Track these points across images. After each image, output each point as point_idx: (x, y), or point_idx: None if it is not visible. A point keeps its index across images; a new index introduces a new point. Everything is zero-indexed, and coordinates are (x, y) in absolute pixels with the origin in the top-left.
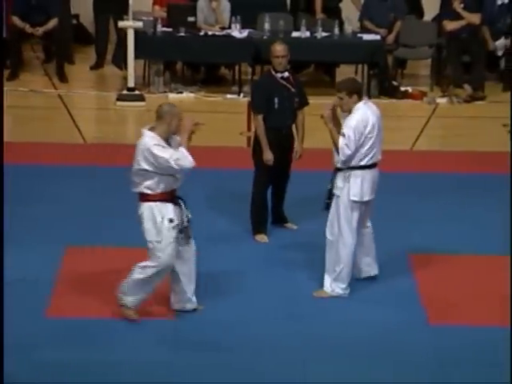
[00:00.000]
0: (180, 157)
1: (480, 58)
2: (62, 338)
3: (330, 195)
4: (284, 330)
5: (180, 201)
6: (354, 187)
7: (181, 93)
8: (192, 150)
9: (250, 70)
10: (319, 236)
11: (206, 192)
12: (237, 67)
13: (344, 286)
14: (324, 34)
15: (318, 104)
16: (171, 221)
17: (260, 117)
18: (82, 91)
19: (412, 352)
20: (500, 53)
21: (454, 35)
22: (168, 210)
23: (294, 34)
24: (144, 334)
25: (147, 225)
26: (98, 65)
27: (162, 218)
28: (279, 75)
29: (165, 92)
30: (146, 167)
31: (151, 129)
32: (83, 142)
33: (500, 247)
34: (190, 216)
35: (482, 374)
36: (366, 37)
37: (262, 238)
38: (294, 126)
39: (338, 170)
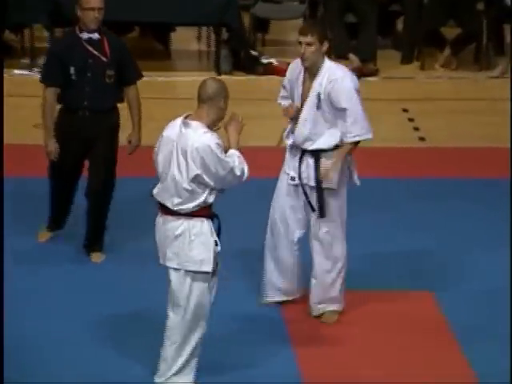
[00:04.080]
0: (243, 164)
1: (370, 18)
2: None
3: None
4: None
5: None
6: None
7: None
8: None
9: (46, 34)
10: None
11: None
12: (27, 31)
13: None
14: None
15: (148, 83)
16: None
17: (50, 90)
18: None
19: None
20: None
21: None
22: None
23: None
24: None
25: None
26: None
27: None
28: (85, 36)
29: None
30: (199, 172)
31: (193, 118)
32: None
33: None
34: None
35: None
36: None
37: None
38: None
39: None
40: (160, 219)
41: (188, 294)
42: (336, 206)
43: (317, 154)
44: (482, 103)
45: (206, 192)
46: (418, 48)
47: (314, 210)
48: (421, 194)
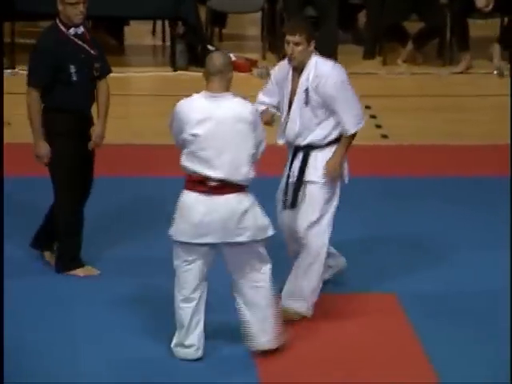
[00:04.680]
0: None
1: (330, 12)
2: None
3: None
4: None
5: None
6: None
7: None
8: None
9: None
10: None
11: None
12: None
13: None
14: None
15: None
16: None
17: (36, 92)
18: None
19: None
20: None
21: None
22: None
23: None
24: None
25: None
26: None
27: None
28: (72, 31)
29: None
30: (256, 137)
31: (209, 92)
32: None
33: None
34: None
35: None
36: None
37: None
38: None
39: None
40: (218, 200)
41: (262, 261)
42: (321, 199)
43: (309, 149)
44: (445, 99)
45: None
46: (380, 43)
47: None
48: (383, 192)
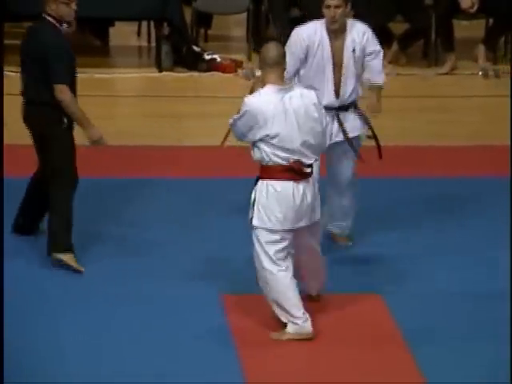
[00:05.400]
0: None
1: (316, 13)
2: None
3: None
4: None
5: None
6: None
7: None
8: None
9: None
10: None
11: None
12: None
13: None
14: None
15: (86, 80)
16: None
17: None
18: None
19: None
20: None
21: None
22: None
23: None
24: None
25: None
26: None
27: None
28: (65, 28)
29: None
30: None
31: (275, 84)
32: None
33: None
34: None
35: None
36: None
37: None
38: None
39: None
40: (298, 187)
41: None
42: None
43: (352, 104)
44: (430, 100)
45: None
46: None
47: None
48: (369, 193)
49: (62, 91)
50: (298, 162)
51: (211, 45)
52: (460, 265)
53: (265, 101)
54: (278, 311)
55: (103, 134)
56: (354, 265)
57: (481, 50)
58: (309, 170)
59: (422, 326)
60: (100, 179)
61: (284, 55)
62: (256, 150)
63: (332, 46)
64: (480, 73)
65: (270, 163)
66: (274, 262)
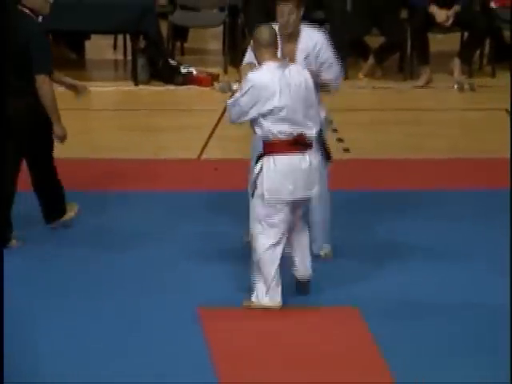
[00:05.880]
0: None
1: None
2: None
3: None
4: None
5: None
6: None
7: None
8: None
9: None
10: None
11: None
12: None
13: None
14: None
15: (61, 93)
16: None
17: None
18: None
19: None
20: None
21: None
22: None
23: None
24: None
25: None
26: None
27: None
28: (40, 20)
29: None
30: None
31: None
32: None
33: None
34: None
35: None
36: None
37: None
38: None
39: None
40: (305, 157)
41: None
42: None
43: None
44: (406, 113)
45: None
46: (341, 57)
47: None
48: (346, 205)
49: (44, 82)
50: (302, 134)
51: (187, 58)
52: (440, 277)
53: (269, 75)
54: (257, 277)
55: (66, 132)
56: (331, 277)
57: (456, 63)
58: (311, 140)
59: (399, 339)
60: (76, 192)
61: (276, 36)
62: (258, 128)
63: (283, 49)
64: (455, 86)
65: (275, 139)
66: (267, 234)
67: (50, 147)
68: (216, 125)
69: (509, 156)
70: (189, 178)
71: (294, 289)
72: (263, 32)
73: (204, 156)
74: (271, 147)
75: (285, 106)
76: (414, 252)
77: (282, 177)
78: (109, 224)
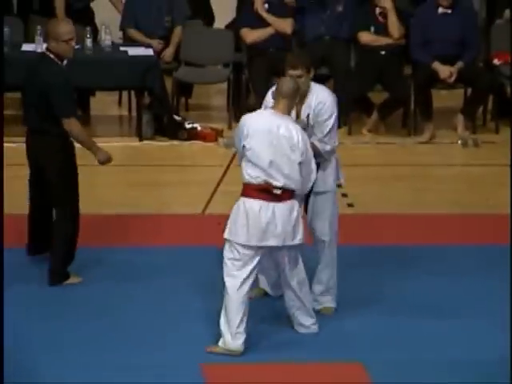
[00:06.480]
0: None
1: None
2: None
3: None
4: None
5: None
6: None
7: None
8: None
9: None
10: None
11: None
12: None
13: None
14: None
15: None
16: None
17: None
18: None
19: None
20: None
21: (259, 49)
22: None
23: (26, 47)
24: None
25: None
26: None
27: None
28: (64, 63)
29: None
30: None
31: (276, 111)
32: None
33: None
34: None
35: None
36: (133, 51)
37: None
38: None
39: None
40: (268, 207)
41: (299, 260)
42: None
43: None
44: (410, 169)
45: None
46: (345, 112)
47: None
48: (350, 261)
49: (71, 124)
50: (267, 182)
51: (192, 114)
52: (444, 333)
53: (256, 117)
54: (222, 318)
55: (110, 155)
56: (335, 332)
57: (459, 119)
58: (279, 192)
59: None
60: (83, 248)
61: (297, 90)
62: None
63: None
64: (459, 142)
65: (246, 181)
66: (232, 275)
67: (69, 183)
68: (220, 180)
69: (509, 211)
70: (192, 232)
71: (298, 345)
72: (285, 83)
73: (208, 211)
74: (243, 189)
75: (250, 147)
76: (416, 307)
77: (242, 220)
78: (111, 278)
